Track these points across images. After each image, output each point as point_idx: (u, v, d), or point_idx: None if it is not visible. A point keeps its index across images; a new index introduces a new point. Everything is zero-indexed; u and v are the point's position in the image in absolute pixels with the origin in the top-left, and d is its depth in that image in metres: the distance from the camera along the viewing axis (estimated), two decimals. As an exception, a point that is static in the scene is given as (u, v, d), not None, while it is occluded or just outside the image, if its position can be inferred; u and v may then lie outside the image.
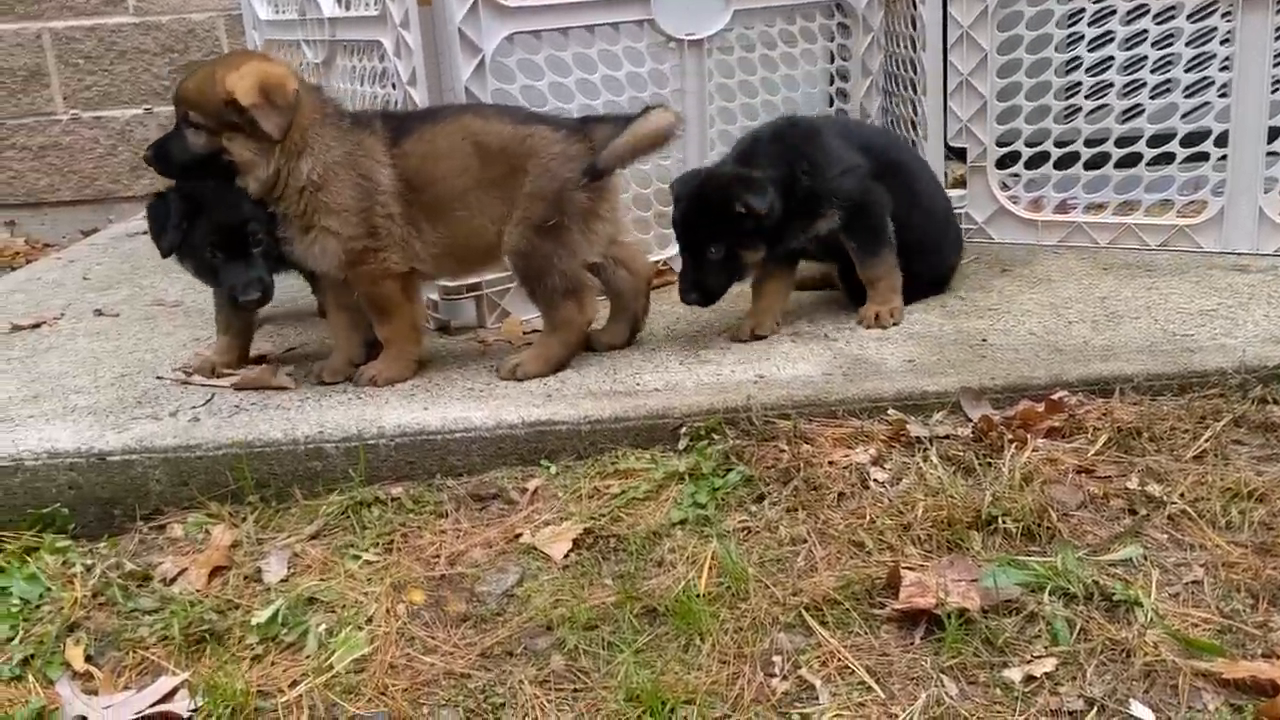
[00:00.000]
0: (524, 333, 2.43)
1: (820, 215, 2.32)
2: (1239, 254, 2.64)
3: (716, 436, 1.94)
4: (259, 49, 3.21)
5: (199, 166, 2.14)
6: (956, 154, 3.00)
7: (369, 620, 1.67)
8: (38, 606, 1.77)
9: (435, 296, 2.49)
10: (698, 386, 2.06)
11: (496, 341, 2.41)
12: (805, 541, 1.70)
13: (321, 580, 1.76)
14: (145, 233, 3.77)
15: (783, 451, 1.88)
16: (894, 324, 2.33)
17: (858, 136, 2.50)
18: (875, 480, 1.81)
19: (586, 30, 2.56)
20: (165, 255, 2.17)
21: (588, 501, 1.87)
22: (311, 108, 2.15)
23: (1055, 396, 1.95)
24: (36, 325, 2.74)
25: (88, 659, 1.66)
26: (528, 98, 2.48)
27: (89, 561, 1.86)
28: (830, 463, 1.84)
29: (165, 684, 1.55)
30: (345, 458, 1.97)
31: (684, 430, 1.96)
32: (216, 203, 2.11)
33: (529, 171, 2.13)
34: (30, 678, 1.63)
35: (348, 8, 2.67)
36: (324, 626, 1.66)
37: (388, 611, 1.68)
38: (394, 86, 2.49)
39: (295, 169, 2.11)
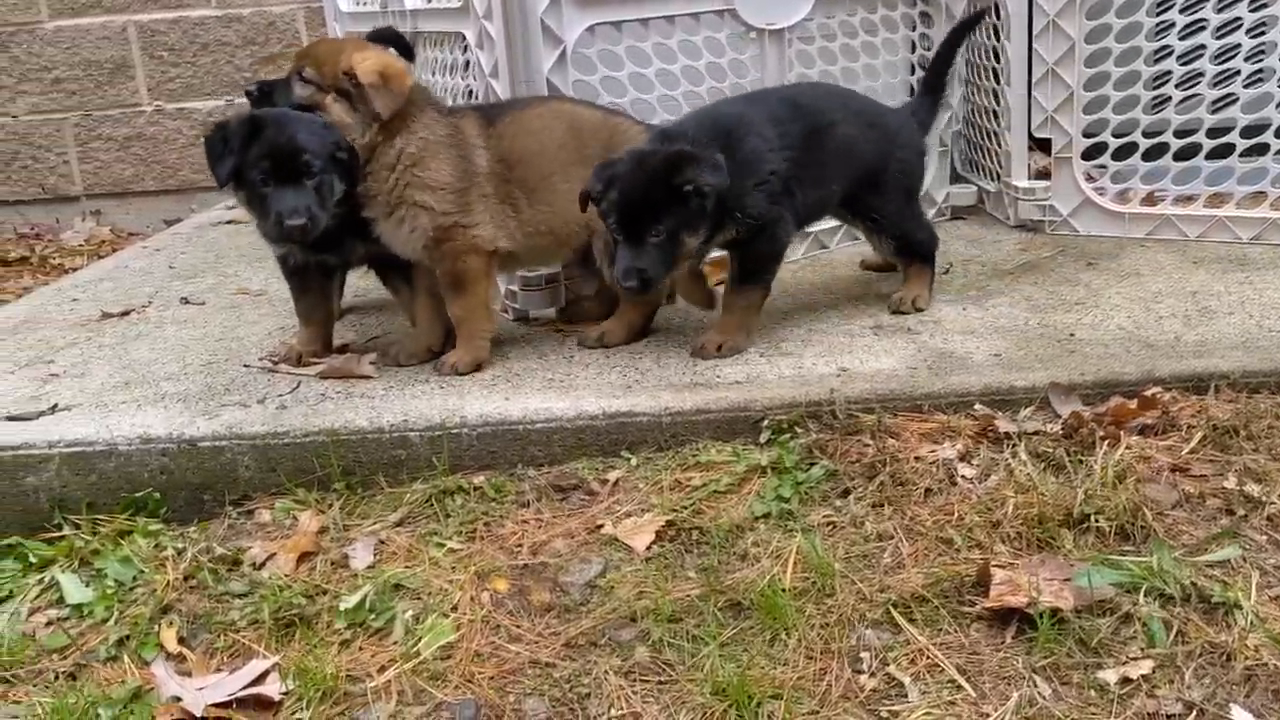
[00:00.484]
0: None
1: (722, 227, 2.17)
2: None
3: (799, 430, 1.92)
4: (340, 41, 3.25)
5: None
6: (1040, 145, 2.95)
7: (454, 608, 1.68)
8: (131, 589, 1.81)
9: (514, 287, 2.50)
10: (779, 379, 2.05)
11: (574, 332, 2.41)
12: (892, 538, 1.68)
13: (407, 567, 1.78)
14: (229, 222, 3.88)
15: (867, 446, 1.86)
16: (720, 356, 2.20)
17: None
18: (963, 476, 1.78)
19: (667, 21, 2.55)
20: (222, 184, 2.20)
21: (669, 493, 1.87)
22: (417, 98, 2.21)
23: (1148, 393, 1.90)
24: (125, 313, 2.80)
25: (180, 641, 1.69)
26: (608, 89, 2.48)
27: (180, 545, 1.89)
28: (916, 458, 1.82)
29: (257, 666, 1.58)
30: (429, 446, 1.99)
31: (766, 423, 1.95)
32: (275, 129, 2.14)
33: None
34: (126, 658, 1.67)
35: (430, 0, 2.68)
36: (410, 613, 1.67)
37: (472, 600, 1.69)
38: (475, 78, 2.50)
39: (389, 146, 2.17)
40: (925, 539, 1.68)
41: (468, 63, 2.54)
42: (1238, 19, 2.63)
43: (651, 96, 2.54)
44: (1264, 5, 2.58)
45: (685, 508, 1.82)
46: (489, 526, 1.87)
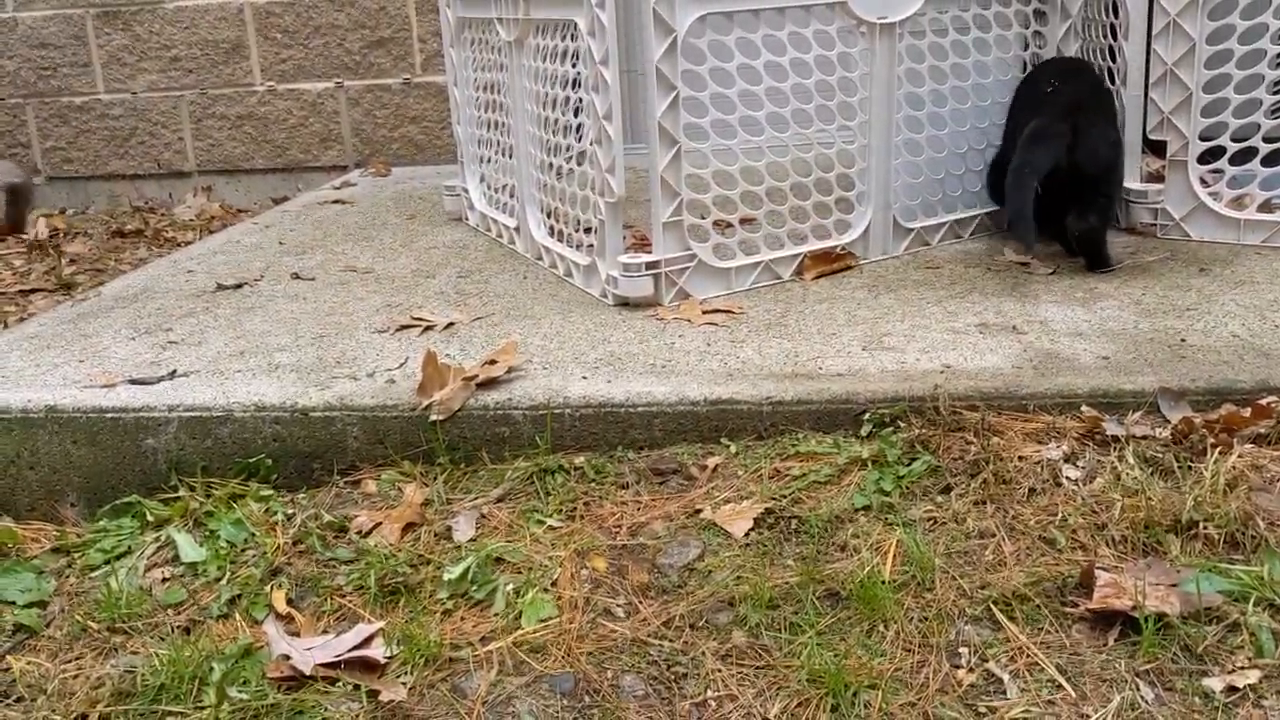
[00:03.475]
0: (703, 312, 2.45)
1: None
2: None
3: (901, 424, 1.92)
4: (450, 27, 3.31)
5: None
6: (1153, 147, 2.89)
7: (554, 583, 1.71)
8: (243, 550, 1.88)
9: (615, 273, 2.53)
10: (881, 373, 2.05)
11: (674, 320, 2.43)
12: (993, 535, 1.68)
13: (508, 542, 1.82)
14: (336, 202, 3.97)
15: (970, 443, 1.85)
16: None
17: None
18: (1067, 477, 1.76)
19: (777, 12, 2.55)
20: None
21: (768, 482, 1.88)
22: None
23: (1263, 401, 1.86)
24: (239, 285, 2.89)
25: (289, 602, 1.75)
26: (716, 79, 2.49)
27: (290, 511, 1.96)
28: (1020, 457, 1.81)
29: (363, 630, 1.63)
30: (532, 425, 2.03)
31: (868, 416, 1.95)
32: None
33: None
34: (237, 616, 1.73)
35: (543, -13, 2.72)
36: (511, 586, 1.71)
37: (572, 577, 1.72)
38: (585, 65, 2.53)
39: None
40: (1027, 538, 1.66)
41: (577, 51, 2.57)
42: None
43: (759, 88, 2.55)
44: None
45: (784, 496, 1.83)
46: (588, 506, 1.90)
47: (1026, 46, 2.97)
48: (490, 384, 2.10)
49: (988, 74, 2.85)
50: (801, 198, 2.69)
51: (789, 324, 2.35)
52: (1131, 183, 2.86)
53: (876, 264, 2.78)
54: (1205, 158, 2.80)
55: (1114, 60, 2.86)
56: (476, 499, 1.95)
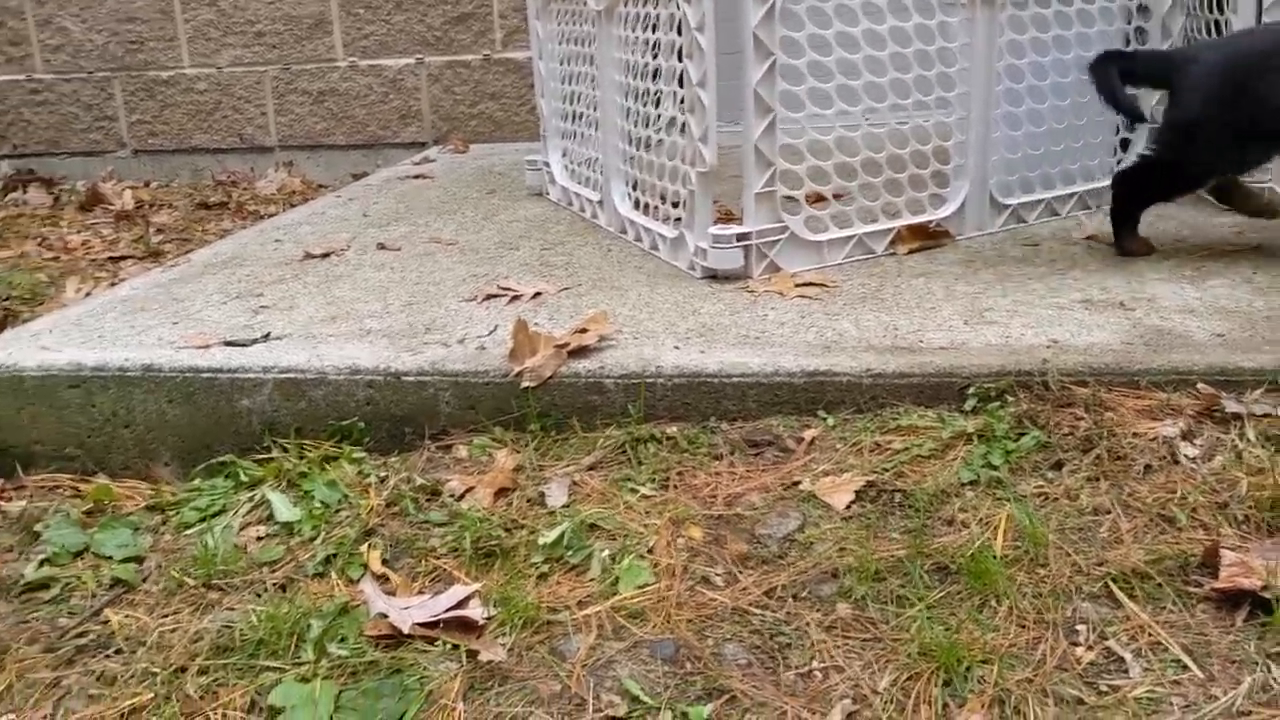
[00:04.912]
0: (795, 285, 2.40)
1: None
2: None
3: (1008, 399, 1.86)
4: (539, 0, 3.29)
5: None
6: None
7: (650, 550, 1.69)
8: (337, 511, 1.88)
9: (704, 244, 2.49)
10: (985, 347, 1.99)
11: (765, 293, 2.39)
12: (1109, 512, 1.62)
13: (602, 509, 1.79)
14: (417, 177, 3.98)
15: (1081, 419, 1.79)
16: None
17: None
18: (1185, 455, 1.70)
19: (876, -21, 2.49)
20: None
21: (869, 455, 1.83)
22: None
23: (1392, 382, 1.78)
24: (326, 255, 2.90)
25: (384, 563, 1.74)
26: (813, 45, 2.43)
27: (383, 474, 1.96)
28: (1134, 434, 1.74)
29: (459, 591, 1.61)
30: (623, 394, 2.00)
31: (972, 390, 1.89)
32: None
33: None
34: (333, 575, 1.73)
35: (635, -45, 2.69)
36: (607, 553, 1.69)
37: (668, 544, 1.69)
38: (681, 32, 2.49)
39: None
40: (1145, 515, 1.60)
41: (673, 15, 2.53)
42: None
43: (858, 57, 2.49)
44: None
45: (886, 469, 1.78)
46: (682, 476, 1.87)
47: (1130, 19, 2.87)
48: (581, 352, 2.07)
49: (1090, 46, 2.76)
50: (897, 170, 2.63)
51: (885, 297, 2.30)
52: (1239, 160, 2.76)
53: (972, 240, 2.71)
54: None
55: (1220, 35, 2.76)
56: (569, 466, 1.93)
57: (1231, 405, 1.78)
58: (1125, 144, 2.97)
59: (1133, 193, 2.53)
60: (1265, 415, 1.76)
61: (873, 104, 2.54)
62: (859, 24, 2.48)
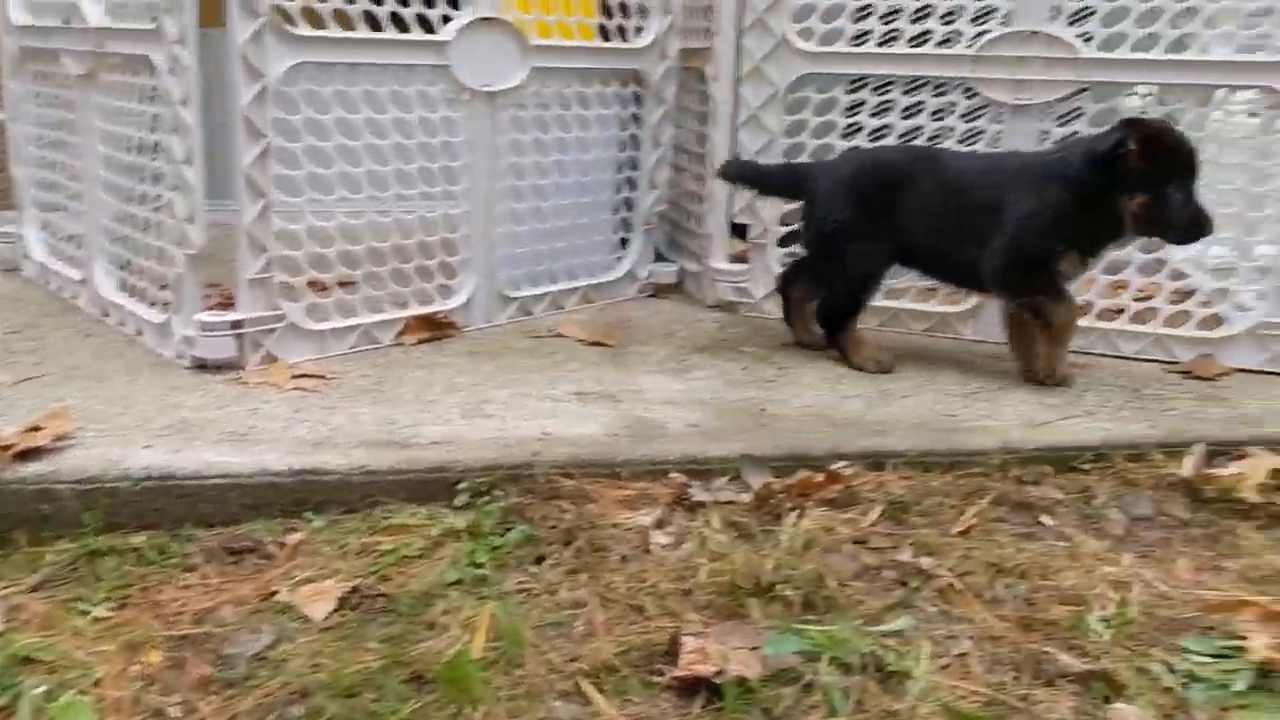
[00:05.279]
0: (292, 376, 2.28)
1: None
2: (995, 343, 2.78)
3: (498, 493, 1.86)
4: (13, 56, 2.95)
5: None
6: (737, 231, 3.04)
7: (96, 684, 1.48)
8: None
9: (192, 332, 2.31)
10: (480, 441, 1.98)
11: (259, 384, 2.25)
12: (585, 605, 1.64)
13: (42, 637, 1.56)
14: None
15: (565, 511, 1.81)
16: None
17: None
18: (657, 544, 1.77)
19: (379, 68, 2.47)
20: None
21: (355, 558, 1.75)
22: None
23: (833, 467, 1.97)
24: None
25: None
26: (312, 130, 2.36)
27: None
28: (614, 524, 1.79)
29: None
30: (80, 501, 1.78)
31: (463, 486, 1.87)
32: None
33: None
34: None
35: (118, 18, 2.48)
36: (41, 689, 1.46)
37: (119, 674, 1.50)
38: (163, 105, 2.31)
39: None
40: (619, 606, 1.64)
41: (155, 89, 2.35)
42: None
43: (358, 143, 2.44)
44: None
45: (372, 573, 1.70)
46: (145, 592, 1.68)
47: (625, 128, 3.07)
48: (32, 454, 1.83)
49: (588, 150, 2.92)
50: (404, 261, 2.60)
51: (386, 390, 2.24)
52: (719, 263, 3.01)
53: (481, 331, 2.73)
54: (785, 240, 3.00)
55: (702, 148, 3.02)
56: (7, 587, 1.67)
57: (699, 494, 1.89)
58: (624, 243, 3.15)
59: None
60: (728, 502, 1.89)
61: (376, 193, 2.50)
62: (360, 111, 2.44)
